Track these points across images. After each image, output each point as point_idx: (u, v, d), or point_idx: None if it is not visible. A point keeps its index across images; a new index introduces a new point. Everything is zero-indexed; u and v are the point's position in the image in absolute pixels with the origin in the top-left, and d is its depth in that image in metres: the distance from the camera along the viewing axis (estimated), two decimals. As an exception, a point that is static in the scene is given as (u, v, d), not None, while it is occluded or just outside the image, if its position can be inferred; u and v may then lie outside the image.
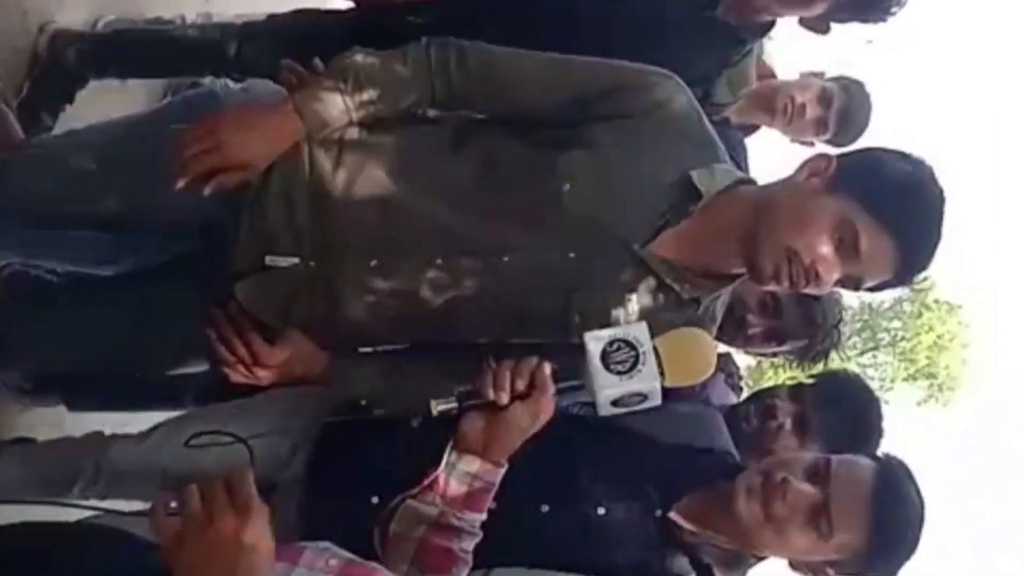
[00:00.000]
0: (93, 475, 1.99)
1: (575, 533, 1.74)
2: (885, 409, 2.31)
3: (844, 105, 2.74)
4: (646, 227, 1.65)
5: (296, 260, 1.67)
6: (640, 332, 1.49)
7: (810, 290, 1.61)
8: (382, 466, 1.71)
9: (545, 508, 1.75)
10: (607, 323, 1.60)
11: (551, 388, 1.48)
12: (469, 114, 1.69)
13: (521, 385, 1.47)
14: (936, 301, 19.56)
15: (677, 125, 1.67)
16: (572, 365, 1.50)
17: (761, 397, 2.37)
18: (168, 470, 1.94)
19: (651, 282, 1.67)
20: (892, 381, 19.89)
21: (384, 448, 1.75)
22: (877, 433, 2.24)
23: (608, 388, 1.46)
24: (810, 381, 2.42)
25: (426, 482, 1.48)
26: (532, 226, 1.64)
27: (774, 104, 2.76)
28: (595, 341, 1.49)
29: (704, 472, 1.80)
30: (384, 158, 1.66)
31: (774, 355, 2.59)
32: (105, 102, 2.68)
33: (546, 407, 1.48)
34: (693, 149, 1.68)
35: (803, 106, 2.74)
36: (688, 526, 1.75)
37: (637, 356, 1.47)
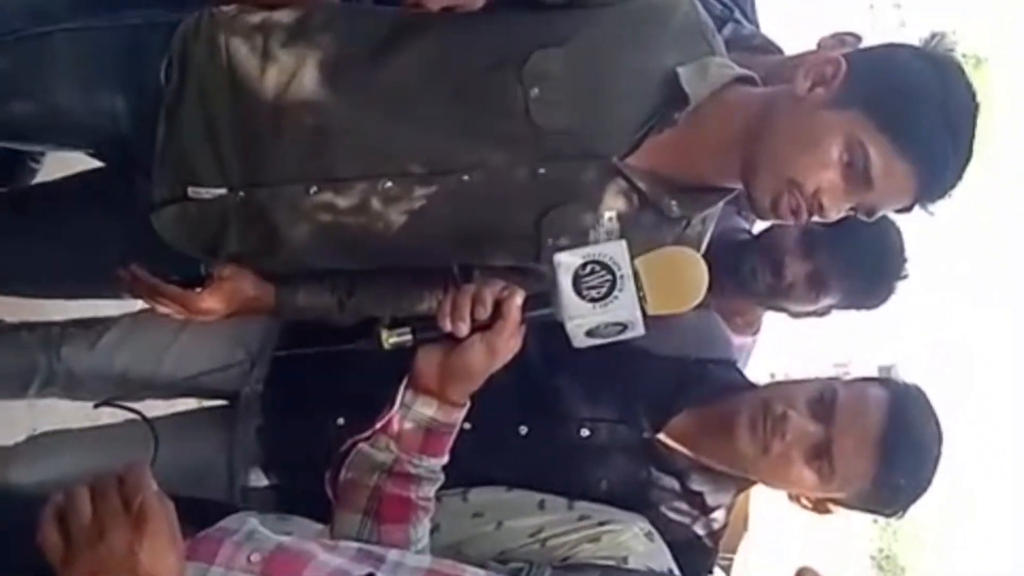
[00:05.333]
0: (48, 375, 1.87)
1: (555, 456, 1.62)
2: None
3: None
4: (627, 136, 1.42)
5: (223, 191, 1.46)
6: (617, 252, 1.28)
7: (816, 220, 1.39)
8: (345, 386, 1.56)
9: (524, 430, 1.62)
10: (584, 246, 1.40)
11: (517, 317, 1.27)
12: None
13: (483, 314, 1.26)
14: (963, 55, 18.48)
15: (664, 10, 1.43)
16: (545, 291, 1.30)
17: (768, 248, 2.04)
18: (125, 375, 1.82)
19: (633, 199, 1.45)
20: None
21: (346, 367, 1.59)
22: (899, 260, 2.01)
23: (579, 318, 1.27)
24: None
25: (379, 425, 1.30)
26: (495, 139, 1.41)
27: None
28: (566, 261, 1.28)
29: (701, 389, 1.64)
30: (313, 62, 1.42)
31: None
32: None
33: (511, 340, 1.27)
34: (683, 40, 1.43)
35: None
36: (680, 449, 1.61)
37: (614, 280, 1.26)
